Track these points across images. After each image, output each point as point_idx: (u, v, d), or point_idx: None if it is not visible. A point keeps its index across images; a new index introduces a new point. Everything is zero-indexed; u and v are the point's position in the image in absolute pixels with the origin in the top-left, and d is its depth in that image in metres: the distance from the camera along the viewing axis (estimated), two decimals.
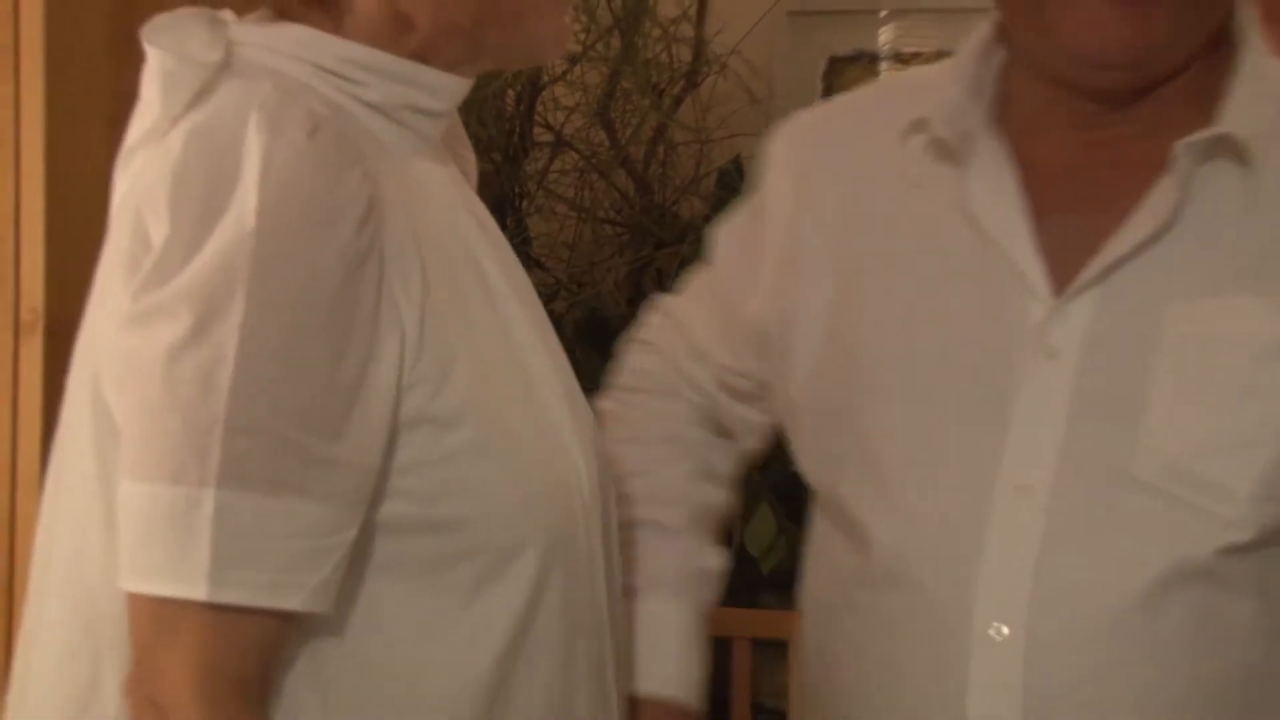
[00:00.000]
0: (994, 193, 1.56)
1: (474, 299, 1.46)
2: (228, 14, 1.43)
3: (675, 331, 1.81)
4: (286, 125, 1.28)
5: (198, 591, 1.22)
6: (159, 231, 1.25)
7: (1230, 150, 1.49)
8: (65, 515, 1.38)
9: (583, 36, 3.09)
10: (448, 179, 1.53)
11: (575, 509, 1.49)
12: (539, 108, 3.15)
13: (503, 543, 1.42)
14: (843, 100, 1.96)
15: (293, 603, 1.26)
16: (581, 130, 3.18)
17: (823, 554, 1.69)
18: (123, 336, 1.28)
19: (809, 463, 1.67)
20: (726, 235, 1.82)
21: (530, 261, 1.81)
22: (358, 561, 1.36)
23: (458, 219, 1.50)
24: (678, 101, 3.15)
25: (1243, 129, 1.48)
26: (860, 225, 1.67)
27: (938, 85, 1.63)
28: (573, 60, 3.11)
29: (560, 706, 1.49)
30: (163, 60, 1.32)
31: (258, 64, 1.37)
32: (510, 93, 3.12)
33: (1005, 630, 1.49)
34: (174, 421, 1.26)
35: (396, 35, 1.40)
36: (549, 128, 3.19)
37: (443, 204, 1.48)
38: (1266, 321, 1.50)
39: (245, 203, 1.25)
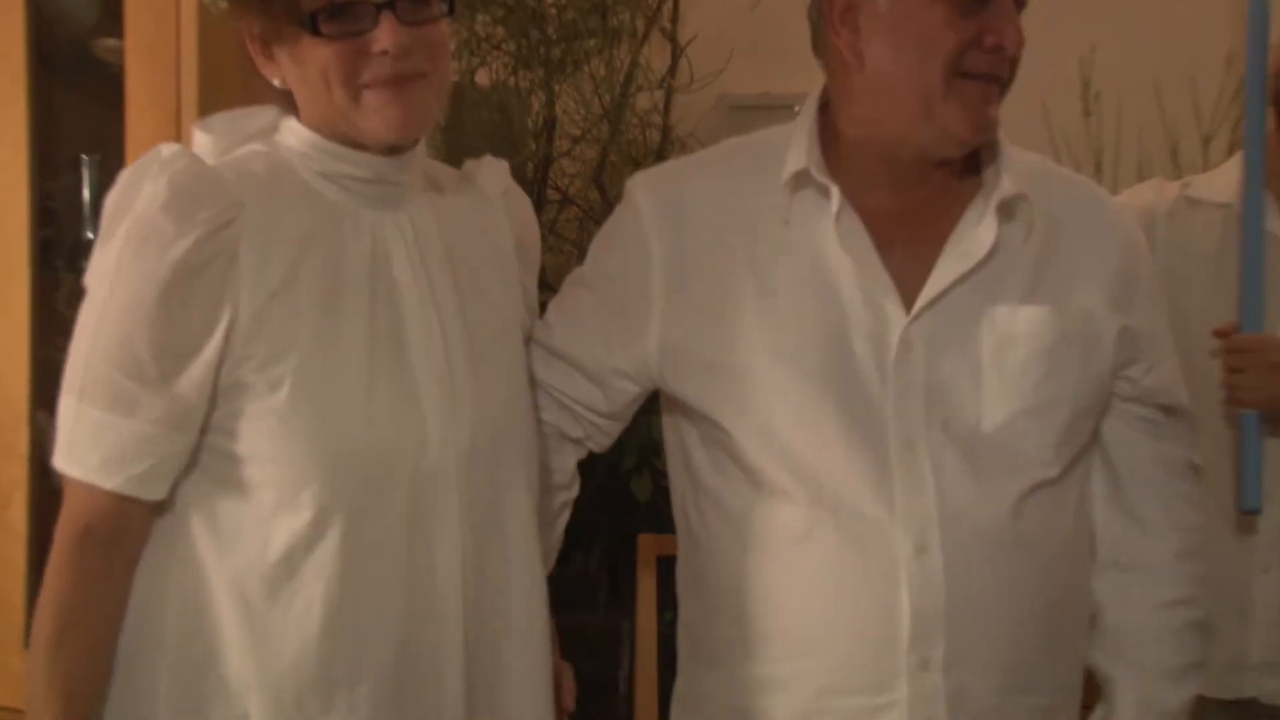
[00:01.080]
0: (851, 230, 1.79)
1: (355, 301, 1.71)
2: (272, 109, 1.77)
3: (562, 371, 1.97)
4: (156, 178, 1.62)
5: (61, 463, 1.62)
6: None
7: (1016, 204, 1.79)
8: None
9: (582, 124, 3.36)
10: (396, 223, 1.77)
11: (399, 473, 1.70)
12: (551, 174, 3.36)
13: (291, 479, 1.64)
14: (702, 156, 2.02)
15: (110, 484, 1.60)
16: (581, 191, 3.41)
17: (739, 521, 1.84)
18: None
19: (706, 441, 1.87)
20: (605, 269, 1.97)
21: (545, 287, 2.00)
22: (200, 470, 1.67)
23: (378, 250, 1.75)
24: None
25: (1022, 189, 1.78)
26: (744, 253, 1.84)
27: (789, 146, 1.84)
28: (574, 140, 3.36)
29: (336, 621, 1.67)
30: (196, 136, 1.76)
31: (274, 140, 1.75)
32: (530, 164, 3.28)
33: (925, 547, 1.72)
34: (72, 354, 1.63)
35: (316, 126, 1.73)
36: (558, 189, 3.40)
37: (359, 242, 1.74)
38: (1046, 324, 1.78)
39: (131, 216, 1.60)
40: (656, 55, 3.33)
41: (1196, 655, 1.90)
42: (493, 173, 1.96)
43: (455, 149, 1.91)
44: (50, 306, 2.75)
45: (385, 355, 1.71)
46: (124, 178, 1.64)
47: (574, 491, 2.08)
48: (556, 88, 3.29)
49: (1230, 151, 3.02)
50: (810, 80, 1.86)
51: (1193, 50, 3.35)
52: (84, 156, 2.79)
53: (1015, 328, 1.77)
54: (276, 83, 1.71)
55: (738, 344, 1.80)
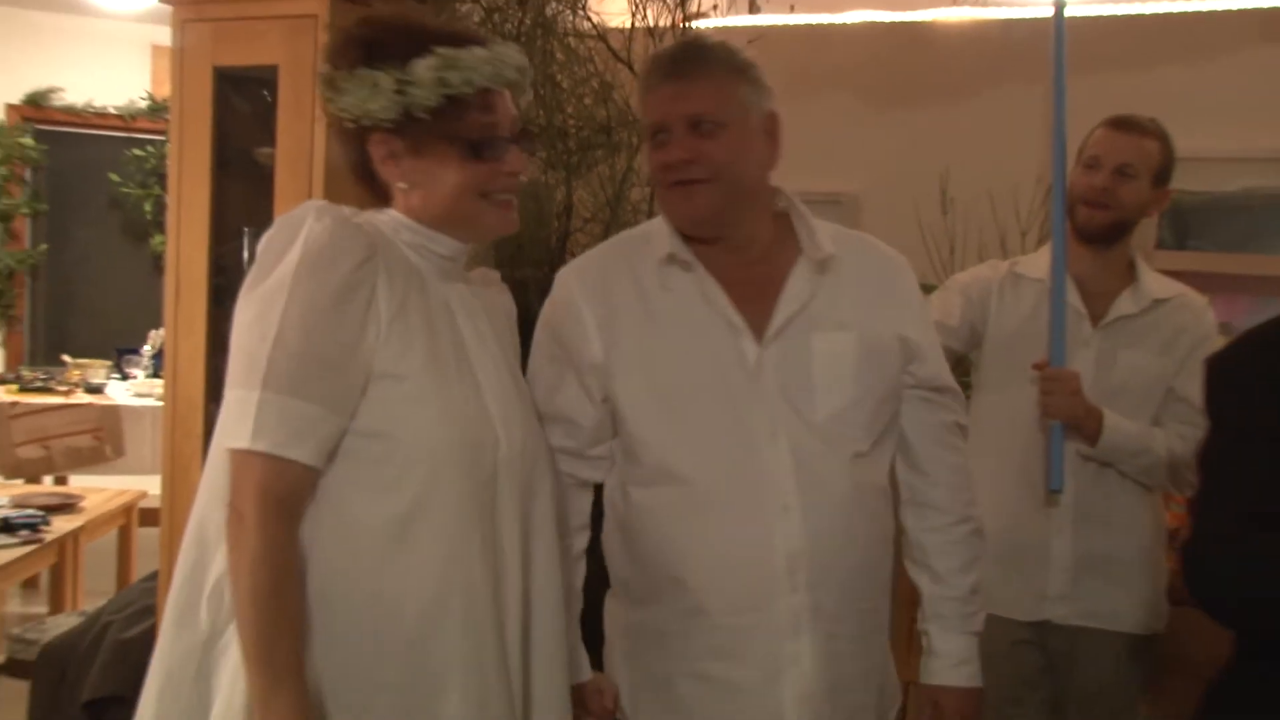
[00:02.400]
0: (714, 291, 1.83)
1: (439, 328, 1.68)
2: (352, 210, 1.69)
3: (563, 430, 1.92)
4: (324, 218, 1.58)
5: (246, 442, 1.50)
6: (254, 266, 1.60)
7: (828, 262, 1.85)
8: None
9: (591, 209, 3.22)
10: (452, 291, 1.74)
11: (480, 453, 1.66)
12: (568, 244, 3.20)
13: (415, 455, 1.60)
14: (604, 247, 2.01)
15: (294, 454, 1.52)
16: None
17: (661, 501, 1.86)
18: (235, 319, 1.59)
19: (645, 458, 1.86)
20: (560, 340, 1.92)
21: None
22: (342, 450, 1.59)
23: (448, 302, 1.72)
24: None
25: (828, 251, 1.85)
26: (644, 311, 1.86)
27: (661, 233, 1.87)
28: (585, 220, 3.21)
29: (449, 561, 1.62)
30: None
31: (369, 216, 1.69)
32: (554, 237, 3.18)
33: (789, 507, 1.79)
34: (244, 357, 1.54)
35: (420, 216, 1.70)
36: (573, 254, 3.07)
37: (437, 296, 1.70)
38: (854, 343, 1.85)
39: (295, 251, 1.55)
40: (645, 161, 3.15)
41: (974, 554, 1.97)
42: (494, 278, 1.95)
43: None
44: (218, 331, 2.77)
45: (461, 368, 1.69)
46: (280, 223, 1.61)
47: (588, 535, 2.02)
48: (574, 183, 3.21)
49: (1040, 242, 3.08)
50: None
51: (1015, 171, 3.39)
52: (245, 229, 2.86)
53: (834, 347, 1.84)
54: (402, 185, 1.67)
55: (659, 381, 1.85)
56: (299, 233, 1.57)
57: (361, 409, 1.59)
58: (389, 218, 1.70)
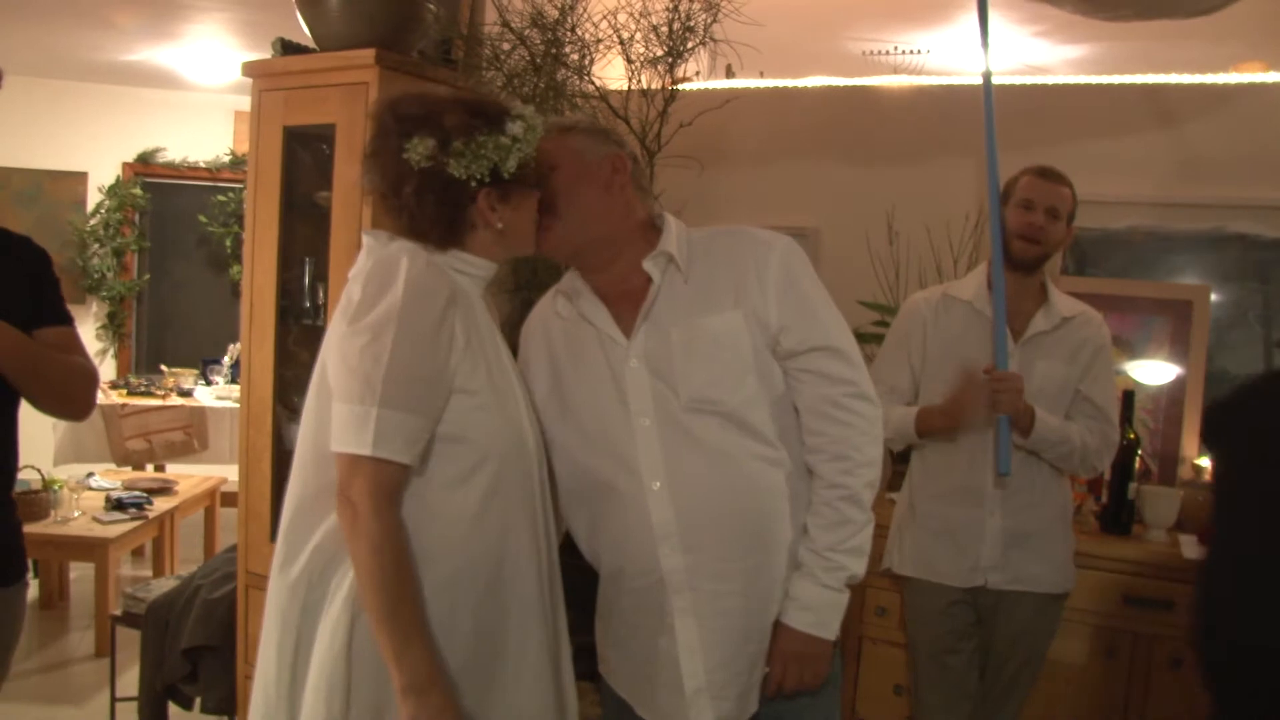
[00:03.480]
0: (594, 306, 1.81)
1: (493, 351, 1.71)
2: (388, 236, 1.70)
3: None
4: (416, 261, 1.61)
5: (368, 450, 1.53)
6: (355, 299, 1.59)
7: (669, 258, 1.78)
8: (301, 435, 1.70)
9: None
10: (483, 306, 1.75)
11: (524, 450, 1.72)
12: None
13: (484, 453, 1.65)
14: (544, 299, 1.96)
15: (404, 459, 1.56)
16: None
17: (580, 489, 1.85)
18: (342, 343, 1.59)
19: (563, 455, 1.84)
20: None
21: None
22: (426, 449, 1.61)
23: (489, 320, 1.75)
24: None
25: (669, 249, 1.78)
26: (546, 340, 1.88)
27: (566, 274, 1.88)
28: None
29: (501, 543, 1.67)
30: (367, 241, 1.71)
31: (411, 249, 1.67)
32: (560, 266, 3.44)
33: (657, 485, 1.75)
34: (359, 378, 1.55)
35: (495, 253, 1.72)
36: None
37: (483, 316, 1.73)
38: (701, 325, 1.76)
39: (397, 289, 1.57)
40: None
41: (842, 517, 1.77)
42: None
43: (517, 260, 1.85)
44: (284, 344, 2.80)
45: (505, 380, 1.71)
46: (379, 263, 1.61)
47: None
48: None
49: (969, 268, 3.11)
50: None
51: (948, 208, 3.37)
52: (306, 258, 2.86)
53: (688, 333, 1.76)
54: (500, 226, 1.68)
55: (556, 395, 1.84)
56: (397, 272, 1.58)
57: (446, 417, 1.62)
58: (449, 255, 1.69)
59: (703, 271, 1.81)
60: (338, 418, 1.57)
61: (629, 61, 3.13)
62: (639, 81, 3.15)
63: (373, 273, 1.61)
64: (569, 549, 1.93)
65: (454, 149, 1.63)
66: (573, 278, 1.86)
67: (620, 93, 3.16)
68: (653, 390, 1.77)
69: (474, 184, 1.65)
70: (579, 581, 1.95)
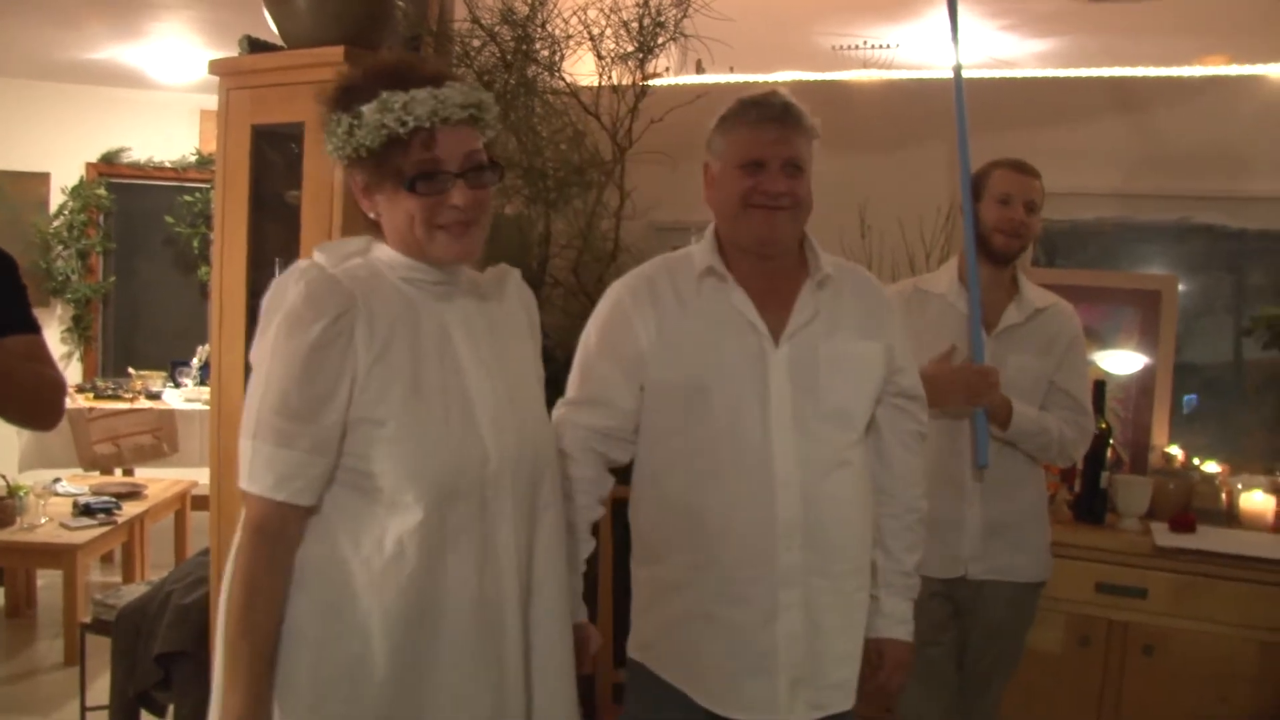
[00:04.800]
0: (743, 299, 1.84)
1: (430, 362, 1.55)
2: (365, 237, 1.61)
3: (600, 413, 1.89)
4: (296, 283, 1.49)
5: (243, 484, 1.48)
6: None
7: (827, 281, 1.87)
8: None
9: (566, 238, 3.31)
10: (453, 311, 1.61)
11: (468, 477, 1.54)
12: (548, 268, 3.30)
13: (399, 489, 1.51)
14: (649, 265, 1.97)
15: (280, 496, 1.46)
16: (566, 278, 3.30)
17: (685, 470, 1.84)
18: None
19: (676, 436, 1.85)
20: (596, 343, 1.91)
21: (544, 336, 1.85)
22: (338, 483, 1.51)
23: (444, 327, 1.59)
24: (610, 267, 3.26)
25: (828, 272, 1.87)
26: (684, 315, 1.86)
27: (700, 253, 1.89)
28: (562, 247, 3.31)
29: (425, 587, 1.51)
30: (314, 255, 1.56)
31: (373, 257, 1.58)
32: (535, 262, 3.22)
33: (790, 483, 1.80)
34: (245, 408, 1.50)
35: (397, 246, 1.58)
36: (552, 276, 3.32)
37: (431, 321, 1.58)
38: (849, 348, 1.86)
39: (278, 317, 1.48)
40: (612, 197, 3.28)
41: (918, 537, 2.01)
42: (510, 275, 1.78)
43: (491, 255, 1.87)
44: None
45: (454, 399, 1.57)
46: (275, 285, 1.54)
47: (603, 511, 1.97)
48: (552, 216, 3.27)
49: (940, 262, 3.09)
50: (704, 213, 1.91)
51: (920, 204, 3.39)
52: (277, 258, 2.76)
53: (835, 352, 1.85)
54: (371, 215, 1.58)
55: (691, 371, 1.83)
56: (283, 297, 1.50)
57: (348, 449, 1.50)
58: (386, 254, 1.59)
59: (842, 296, 1.91)
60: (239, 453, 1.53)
61: (599, 57, 3.15)
62: (610, 78, 3.17)
63: (267, 299, 1.54)
64: None
65: (324, 125, 1.56)
66: (716, 260, 1.88)
67: (591, 89, 3.18)
68: (794, 394, 1.82)
69: (345, 164, 1.57)
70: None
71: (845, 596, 1.88)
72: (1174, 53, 3.48)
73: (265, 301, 1.53)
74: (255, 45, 2.80)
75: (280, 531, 1.49)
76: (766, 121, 1.82)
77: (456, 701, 1.55)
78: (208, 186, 6.53)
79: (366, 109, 1.49)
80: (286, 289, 1.50)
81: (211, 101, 2.89)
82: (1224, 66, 3.40)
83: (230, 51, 2.87)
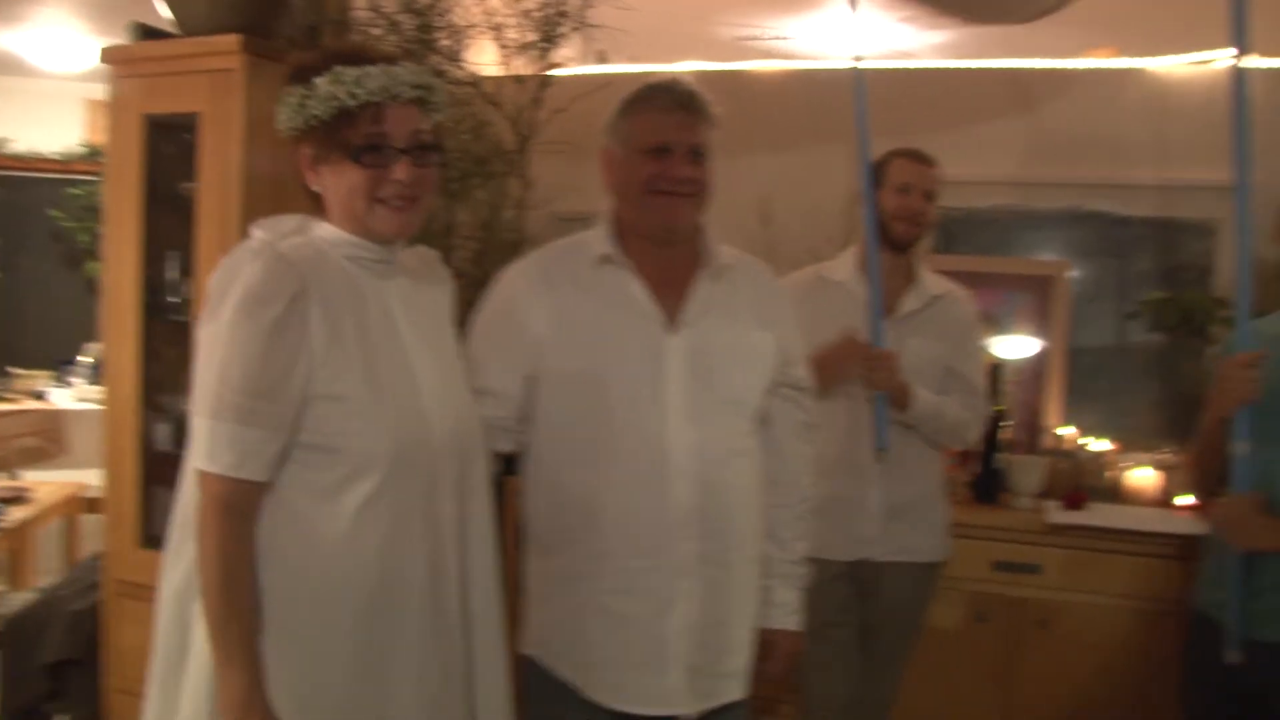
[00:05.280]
0: (638, 286, 1.83)
1: (377, 341, 1.60)
2: (297, 216, 1.65)
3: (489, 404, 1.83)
4: (254, 262, 1.54)
5: (202, 464, 1.51)
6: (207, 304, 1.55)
7: (723, 271, 1.88)
8: None
9: (469, 228, 3.22)
10: (393, 289, 1.65)
11: (418, 451, 1.60)
12: (451, 259, 3.06)
13: (357, 464, 1.55)
14: (543, 251, 1.96)
15: (239, 474, 1.50)
16: (468, 269, 3.10)
17: (580, 459, 1.81)
18: (196, 349, 1.57)
19: (569, 425, 1.82)
20: (486, 330, 1.88)
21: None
22: (289, 460, 1.54)
23: (386, 305, 1.63)
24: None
25: (724, 261, 1.88)
26: (576, 304, 1.84)
27: (597, 239, 1.87)
28: (465, 238, 3.20)
29: (382, 561, 1.57)
30: (254, 233, 1.61)
31: (314, 236, 1.62)
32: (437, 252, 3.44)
33: (686, 473, 1.78)
34: (200, 388, 1.53)
35: (340, 223, 1.62)
36: (455, 268, 2.96)
37: (375, 299, 1.62)
38: (744, 338, 1.87)
39: (234, 294, 1.51)
40: (515, 188, 3.22)
41: (809, 526, 2.02)
42: (433, 257, 1.85)
43: None
44: (149, 341, 2.71)
45: (399, 375, 1.62)
46: (223, 265, 1.58)
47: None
48: (455, 207, 3.20)
49: (841, 250, 3.02)
50: (608, 204, 1.90)
51: (820, 193, 3.47)
52: (171, 252, 2.73)
53: (731, 341, 1.85)
54: (316, 189, 1.62)
55: (588, 359, 1.82)
56: (237, 276, 1.53)
57: (307, 425, 1.54)
58: (328, 232, 1.63)
59: (737, 286, 1.91)
60: (191, 429, 1.55)
61: (502, 47, 3.12)
62: (512, 68, 3.14)
63: (218, 277, 1.57)
64: None
65: (278, 102, 1.61)
66: (611, 247, 1.86)
67: (493, 79, 3.15)
68: (690, 383, 1.81)
69: (294, 138, 1.61)
70: None
71: (742, 586, 1.89)
72: (1064, 45, 3.58)
73: (214, 281, 1.56)
74: (146, 32, 2.72)
75: (245, 508, 1.53)
76: (674, 107, 1.81)
77: (415, 674, 1.60)
78: (96, 179, 6.32)
79: (320, 80, 1.55)
80: (239, 269, 1.53)
81: (99, 91, 2.81)
82: (1110, 60, 3.53)
83: (118, 38, 2.79)
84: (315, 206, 1.65)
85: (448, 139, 3.04)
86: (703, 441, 1.81)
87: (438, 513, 1.64)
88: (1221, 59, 3.36)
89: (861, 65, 2.58)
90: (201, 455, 1.52)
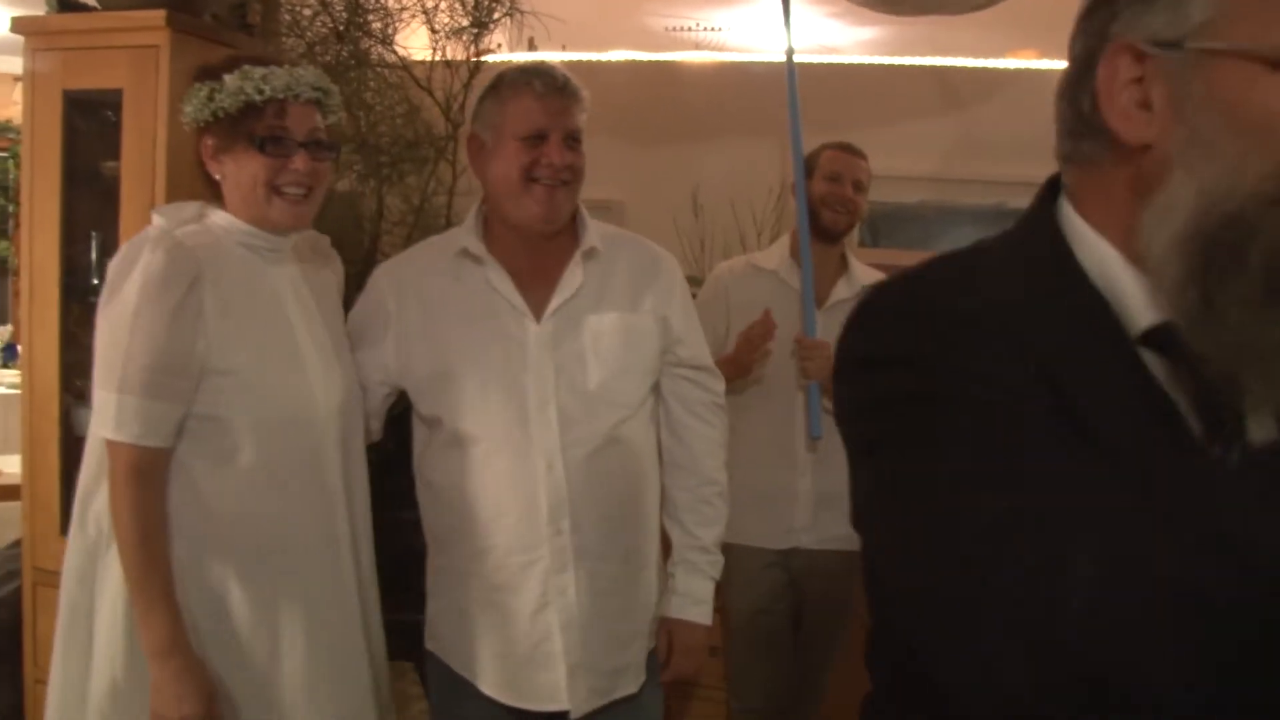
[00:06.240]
0: (501, 278, 1.82)
1: (265, 321, 1.76)
2: (196, 203, 1.78)
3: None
4: (156, 249, 1.67)
5: (110, 434, 1.66)
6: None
7: (594, 253, 1.86)
8: None
9: (399, 214, 3.20)
10: (283, 274, 1.80)
11: (302, 422, 1.75)
12: (380, 244, 3.17)
13: (242, 431, 1.71)
14: (413, 249, 2.02)
15: (147, 442, 1.66)
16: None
17: (452, 460, 1.83)
18: (96, 329, 1.70)
19: (438, 426, 1.84)
20: (361, 322, 1.93)
21: None
22: (185, 431, 1.70)
23: (275, 289, 1.78)
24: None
25: (595, 244, 1.86)
26: (437, 302, 1.84)
27: (462, 234, 1.86)
28: (394, 224, 3.19)
29: (273, 518, 1.73)
30: (154, 220, 1.75)
31: (211, 223, 1.77)
32: (367, 238, 3.11)
33: (553, 466, 1.78)
34: (104, 365, 1.68)
35: (238, 211, 1.76)
36: (384, 253, 3.06)
37: (266, 283, 1.77)
38: (621, 322, 1.84)
39: (135, 278, 1.65)
40: (446, 173, 3.24)
41: (718, 512, 1.96)
42: (322, 241, 1.98)
43: (323, 228, 1.90)
44: (68, 324, 2.63)
45: (287, 353, 1.78)
46: (123, 251, 1.71)
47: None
48: (385, 192, 3.21)
49: (772, 240, 3.19)
50: None
51: (751, 185, 3.49)
52: (93, 233, 2.69)
53: (603, 326, 1.82)
54: (218, 178, 1.76)
55: (441, 360, 1.82)
56: (136, 261, 1.67)
57: (200, 398, 1.70)
58: (224, 219, 1.77)
59: (613, 269, 1.87)
60: (94, 402, 1.69)
61: (433, 31, 3.11)
62: (443, 53, 3.14)
63: (118, 262, 1.70)
64: (392, 525, 1.90)
65: (184, 98, 1.76)
66: (472, 240, 1.84)
67: (424, 64, 3.15)
68: (556, 375, 1.79)
69: (198, 129, 1.75)
70: (401, 559, 1.95)
71: (625, 578, 1.86)
72: (988, 45, 3.68)
73: (114, 266, 1.70)
74: (64, 4, 2.63)
75: (153, 472, 1.68)
76: (550, 92, 1.78)
77: (305, 629, 1.74)
78: (5, 154, 6.13)
79: (228, 77, 1.71)
80: (139, 256, 1.67)
81: (9, 64, 2.70)
82: (1032, 60, 3.62)
83: (31, 9, 2.69)
84: (213, 194, 1.79)
85: (380, 124, 3.06)
86: (570, 433, 1.78)
87: (325, 480, 1.78)
88: None
89: (794, 58, 2.65)
90: (109, 426, 1.66)
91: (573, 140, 1.80)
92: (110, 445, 1.68)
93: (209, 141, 1.76)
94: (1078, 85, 0.83)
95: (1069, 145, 0.86)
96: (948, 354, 0.75)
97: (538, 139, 1.78)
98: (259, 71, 1.71)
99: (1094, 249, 0.81)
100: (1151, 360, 0.77)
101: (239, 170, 1.74)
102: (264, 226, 1.77)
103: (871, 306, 0.84)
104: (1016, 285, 0.81)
